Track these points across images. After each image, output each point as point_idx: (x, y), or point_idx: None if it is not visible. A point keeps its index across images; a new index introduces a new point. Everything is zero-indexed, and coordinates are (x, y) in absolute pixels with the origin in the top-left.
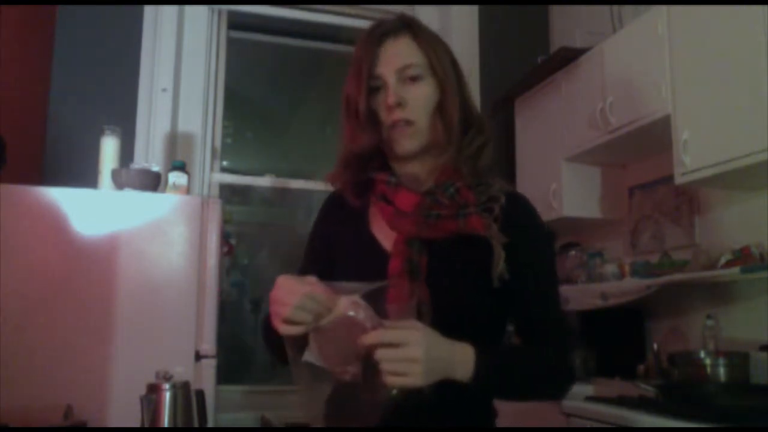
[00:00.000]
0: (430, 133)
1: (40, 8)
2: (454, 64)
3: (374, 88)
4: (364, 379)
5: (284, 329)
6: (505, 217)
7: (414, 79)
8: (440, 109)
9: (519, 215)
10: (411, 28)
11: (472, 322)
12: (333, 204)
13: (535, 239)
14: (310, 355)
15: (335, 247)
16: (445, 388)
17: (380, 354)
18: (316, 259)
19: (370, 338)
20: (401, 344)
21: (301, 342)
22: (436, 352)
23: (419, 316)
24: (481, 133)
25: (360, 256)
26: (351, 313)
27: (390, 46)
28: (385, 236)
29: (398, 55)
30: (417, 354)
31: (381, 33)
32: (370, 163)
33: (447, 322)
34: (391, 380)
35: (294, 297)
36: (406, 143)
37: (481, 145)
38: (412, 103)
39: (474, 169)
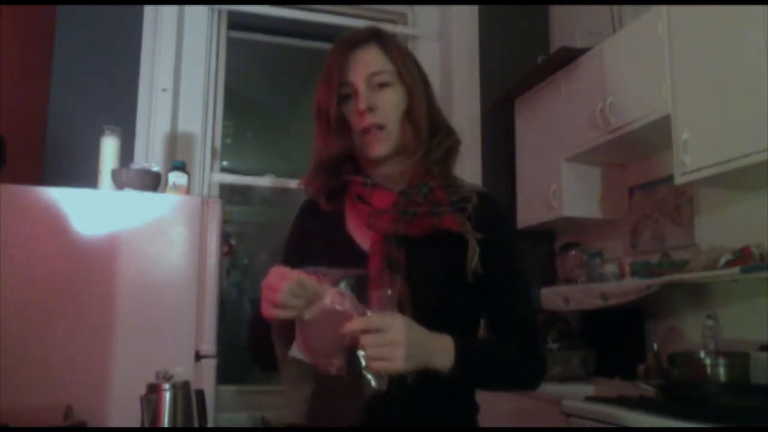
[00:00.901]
0: (400, 137)
1: (40, 8)
2: (421, 72)
3: (345, 95)
4: (348, 372)
5: (276, 313)
6: (477, 215)
7: (383, 85)
8: (409, 114)
9: (490, 214)
10: (379, 38)
11: (449, 315)
12: (307, 211)
13: (505, 236)
14: (296, 351)
15: (313, 251)
16: (426, 380)
17: (363, 339)
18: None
19: (353, 325)
20: (383, 329)
21: (289, 335)
22: (416, 336)
23: (399, 310)
24: (448, 137)
25: (339, 257)
26: (337, 306)
27: (360, 55)
28: (362, 237)
29: (368, 63)
30: (399, 337)
31: (351, 43)
32: (342, 168)
33: (425, 316)
34: (374, 365)
35: (285, 283)
36: (378, 147)
37: (449, 148)
38: (382, 108)
39: (444, 171)
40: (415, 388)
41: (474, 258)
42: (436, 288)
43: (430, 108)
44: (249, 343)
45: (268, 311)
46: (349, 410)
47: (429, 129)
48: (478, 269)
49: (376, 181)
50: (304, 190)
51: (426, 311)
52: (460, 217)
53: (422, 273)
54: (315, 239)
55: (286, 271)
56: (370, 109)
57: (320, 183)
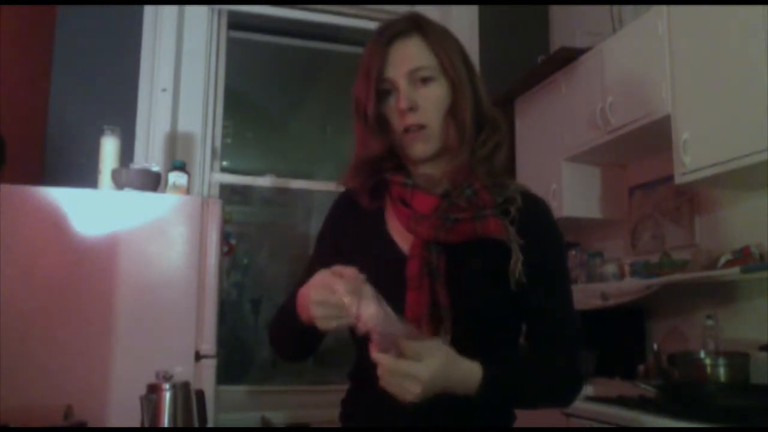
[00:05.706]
0: (443, 136)
1: (40, 8)
2: (466, 61)
3: (384, 91)
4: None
5: (325, 326)
6: (522, 218)
7: (425, 81)
8: (453, 110)
9: (535, 217)
10: (421, 28)
11: (490, 324)
12: (347, 203)
13: (550, 242)
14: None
15: (350, 249)
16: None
17: (381, 370)
18: (324, 261)
19: (380, 359)
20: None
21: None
22: (441, 381)
23: (438, 321)
24: (494, 132)
25: (378, 257)
26: (378, 329)
27: (400, 48)
28: (402, 238)
29: (408, 58)
30: (422, 377)
31: (390, 35)
32: (383, 165)
33: (466, 325)
34: (386, 387)
35: (316, 294)
36: (420, 148)
37: (495, 145)
38: (424, 106)
39: (490, 170)
40: (452, 399)
41: (517, 266)
42: (477, 295)
43: (475, 101)
44: (274, 330)
45: (318, 326)
46: (383, 415)
47: (474, 125)
48: (521, 278)
49: (416, 182)
50: (344, 189)
51: (466, 320)
52: (504, 222)
53: (463, 280)
54: (352, 236)
55: (322, 278)
56: (412, 108)
57: (360, 182)
